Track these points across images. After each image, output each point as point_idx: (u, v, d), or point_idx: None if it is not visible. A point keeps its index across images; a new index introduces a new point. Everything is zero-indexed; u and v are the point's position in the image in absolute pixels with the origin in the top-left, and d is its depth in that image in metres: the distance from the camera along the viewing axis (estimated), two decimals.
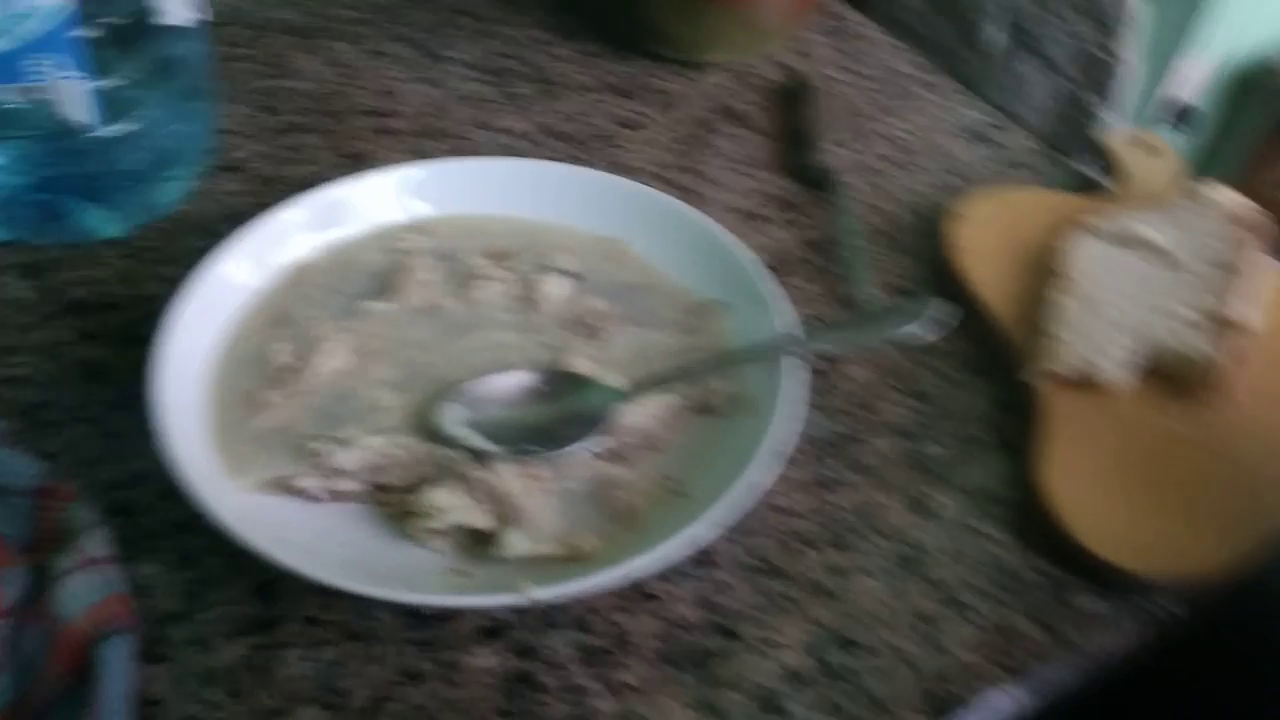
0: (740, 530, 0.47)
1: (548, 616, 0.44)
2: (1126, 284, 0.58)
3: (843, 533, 0.49)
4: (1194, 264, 0.59)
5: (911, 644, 0.45)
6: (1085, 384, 0.53)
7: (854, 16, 0.86)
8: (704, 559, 0.47)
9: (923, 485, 0.52)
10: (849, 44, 0.83)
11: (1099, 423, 0.52)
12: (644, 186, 0.59)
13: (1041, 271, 0.60)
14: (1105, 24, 1.42)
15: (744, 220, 0.66)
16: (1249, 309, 0.56)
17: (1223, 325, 0.55)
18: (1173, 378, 0.54)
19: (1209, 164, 1.59)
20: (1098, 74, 1.46)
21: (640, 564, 0.41)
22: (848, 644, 0.45)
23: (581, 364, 0.51)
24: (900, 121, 0.75)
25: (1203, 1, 1.32)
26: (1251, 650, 0.54)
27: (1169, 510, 0.49)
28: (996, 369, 0.57)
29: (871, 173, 0.71)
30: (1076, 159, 1.52)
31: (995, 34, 1.60)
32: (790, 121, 0.73)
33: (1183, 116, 1.47)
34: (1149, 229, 0.60)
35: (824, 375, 0.56)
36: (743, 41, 0.77)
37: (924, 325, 0.51)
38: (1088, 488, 0.50)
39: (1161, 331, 0.55)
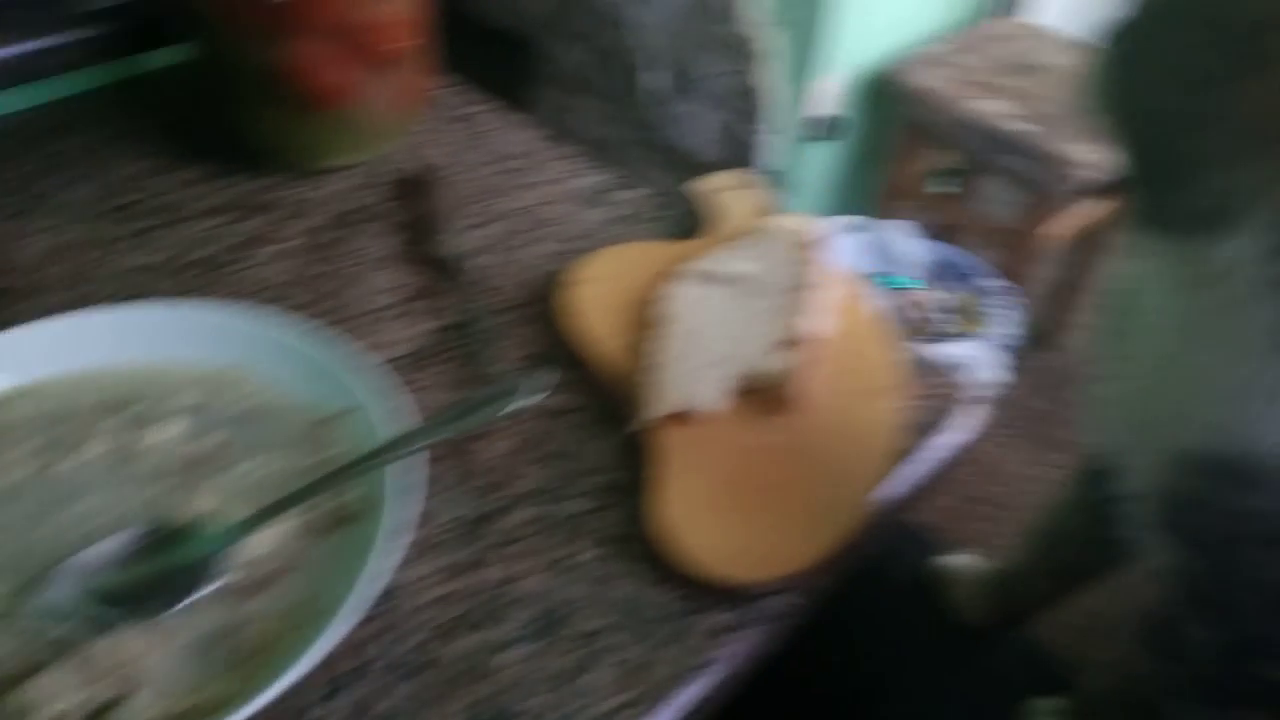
0: (391, 631, 0.49)
1: None
2: (716, 318, 0.65)
3: (491, 610, 0.52)
4: (773, 290, 0.67)
5: (562, 701, 0.48)
6: (687, 419, 0.59)
7: (479, 98, 0.91)
8: (359, 667, 0.48)
9: (564, 544, 0.55)
10: (475, 126, 0.87)
11: (702, 451, 0.58)
12: (256, 312, 0.60)
13: (647, 320, 0.66)
14: (747, 58, 1.57)
15: (381, 318, 0.68)
16: (817, 321, 0.64)
17: (797, 340, 0.63)
18: (761, 395, 0.62)
19: (864, 165, 1.78)
20: (750, 103, 1.61)
21: (270, 694, 0.42)
22: (503, 718, 0.47)
23: (204, 502, 0.51)
24: (527, 194, 0.80)
25: (819, 28, 1.49)
26: (870, 625, 0.62)
27: (767, 517, 0.56)
28: (621, 418, 0.62)
29: (502, 249, 0.75)
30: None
31: (657, 80, 1.72)
32: (418, 213, 0.76)
33: (832, 127, 1.64)
34: (734, 264, 0.68)
35: (464, 456, 0.59)
36: (358, 144, 0.79)
37: (535, 392, 0.55)
38: (697, 513, 0.55)
39: (748, 356, 0.62)
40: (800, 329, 0.63)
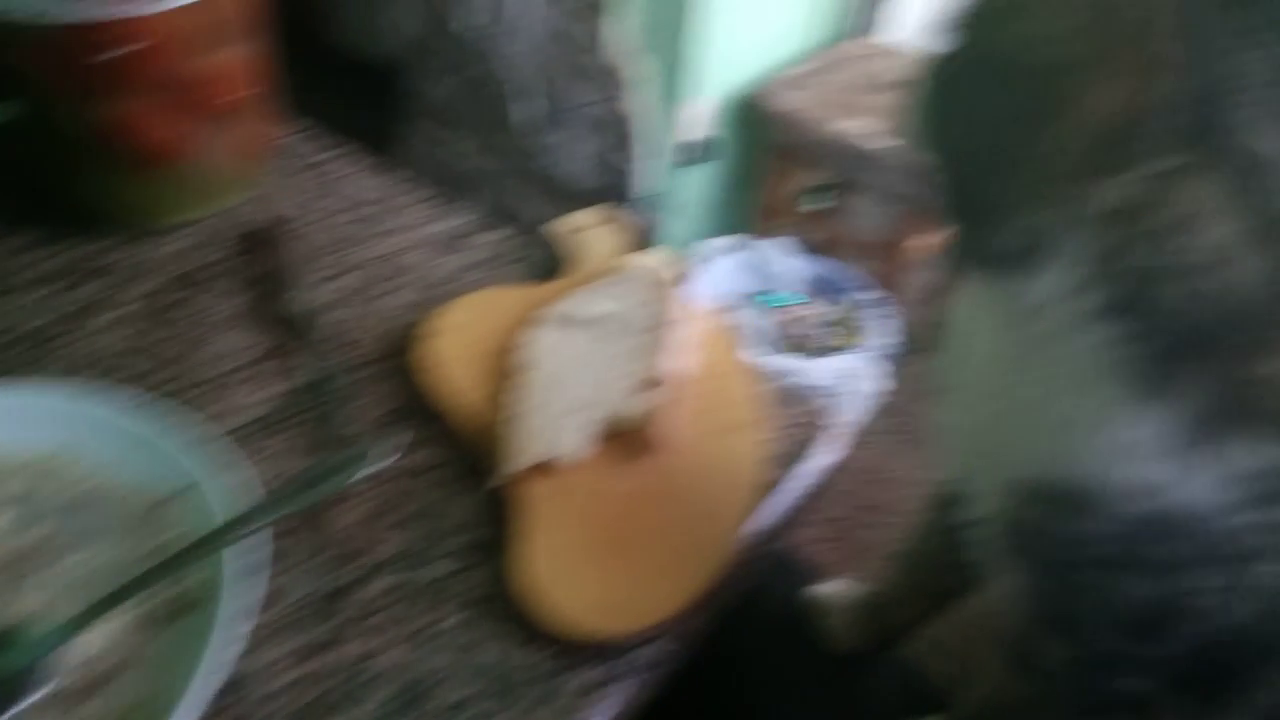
0: None
1: None
2: (576, 364, 0.64)
3: (349, 690, 0.50)
4: (633, 331, 0.66)
5: None
6: (550, 469, 0.58)
7: (330, 143, 0.88)
8: None
9: (426, 612, 0.54)
10: (327, 173, 0.85)
11: (566, 502, 0.57)
12: (86, 388, 0.57)
13: (507, 368, 0.64)
14: (617, 86, 1.58)
15: (227, 383, 0.65)
16: (678, 360, 0.64)
17: (658, 381, 0.62)
18: (625, 439, 0.61)
19: (738, 186, 1.81)
20: (623, 131, 1.62)
21: None
22: None
23: (29, 601, 0.48)
24: (383, 242, 0.78)
25: (686, 54, 1.51)
26: (748, 660, 0.62)
27: (635, 565, 0.55)
28: (484, 473, 0.60)
29: (357, 302, 0.73)
30: (628, 208, 1.66)
31: (528, 110, 1.72)
32: (266, 268, 0.74)
33: (705, 150, 1.66)
34: (594, 307, 0.67)
35: (317, 526, 0.57)
36: (199, 199, 0.76)
37: (390, 453, 0.54)
38: (563, 567, 0.54)
39: (610, 401, 0.62)
40: (662, 369, 0.63)
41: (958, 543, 0.51)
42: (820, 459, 0.67)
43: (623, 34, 1.50)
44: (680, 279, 0.69)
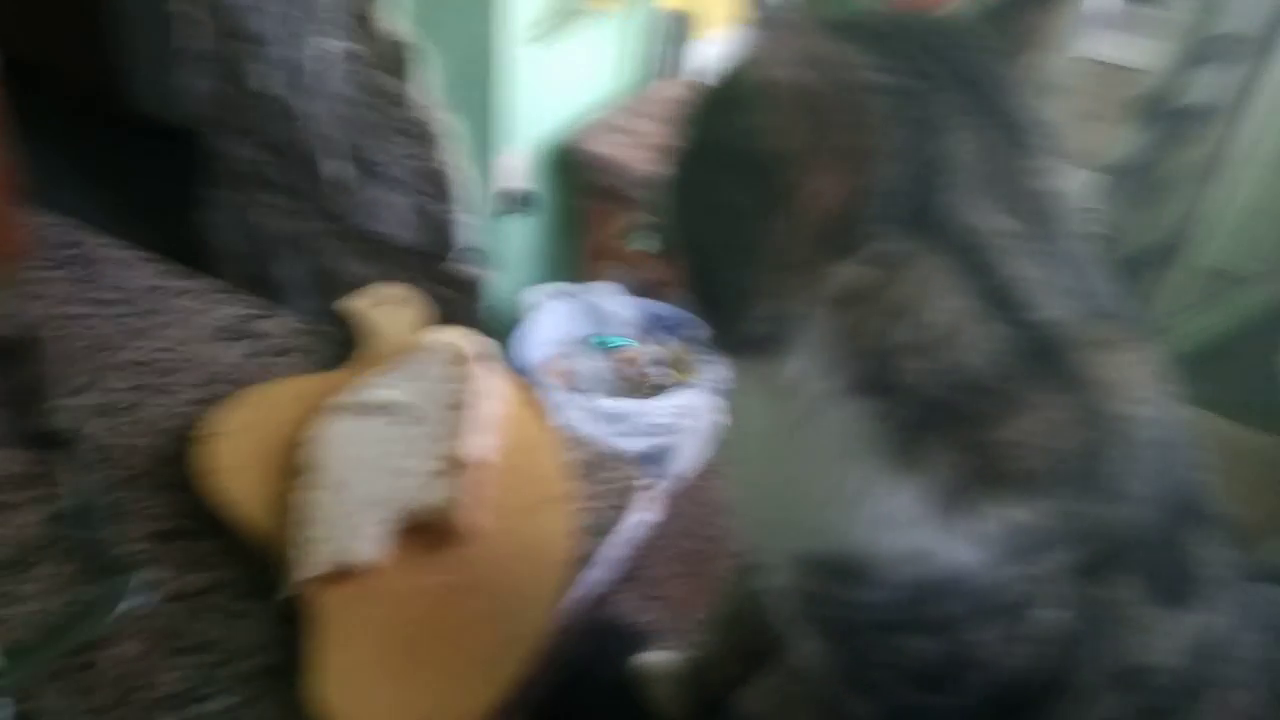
0: None
1: None
2: (370, 455, 0.60)
3: None
4: (432, 412, 0.63)
5: None
6: (346, 575, 0.55)
7: (92, 239, 0.81)
8: None
9: None
10: (90, 270, 0.78)
11: (365, 610, 0.53)
12: None
13: (296, 467, 0.60)
14: (428, 140, 1.54)
15: None
16: (480, 440, 0.61)
17: (459, 465, 0.59)
18: (427, 532, 0.58)
19: (562, 233, 1.80)
20: (440, 184, 1.58)
21: None
22: None
23: None
24: (153, 341, 0.72)
25: (496, 105, 1.49)
26: None
27: (442, 671, 0.52)
28: (273, 587, 0.56)
29: (125, 409, 0.67)
30: (451, 263, 1.63)
31: (339, 168, 1.66)
32: (17, 382, 0.67)
33: (524, 200, 1.64)
34: (388, 390, 0.64)
35: (83, 669, 0.51)
36: None
37: (162, 578, 0.49)
38: (366, 682, 0.50)
39: (409, 491, 0.58)
40: (463, 451, 0.60)
41: (762, 608, 0.51)
42: (638, 520, 0.66)
43: (429, 88, 1.47)
44: (478, 354, 0.67)
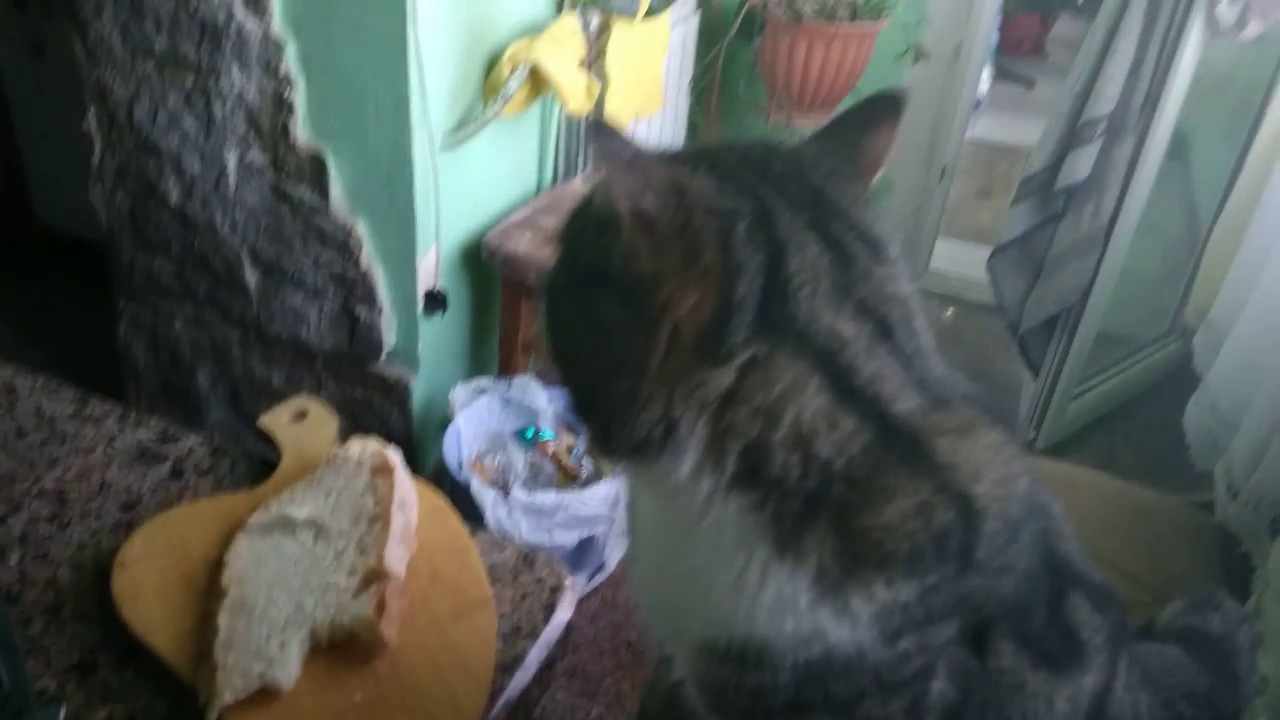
0: None
1: None
2: (288, 573, 0.60)
3: None
4: (344, 527, 0.64)
5: None
6: (267, 696, 0.54)
7: (7, 369, 0.80)
8: None
9: None
10: (9, 398, 0.77)
11: None
12: None
13: (212, 589, 0.60)
14: (345, 246, 1.56)
15: None
16: (397, 553, 0.62)
17: (379, 578, 0.60)
18: (348, 648, 0.58)
19: (481, 329, 1.83)
20: (354, 286, 1.60)
21: None
22: None
23: None
24: (59, 471, 0.71)
25: (412, 208, 1.52)
26: None
27: None
28: (195, 716, 0.55)
29: (32, 542, 0.65)
30: (373, 366, 1.63)
31: (255, 276, 1.66)
32: None
33: (442, 299, 1.67)
34: (300, 506, 0.64)
35: None
36: None
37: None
38: None
39: (328, 608, 0.58)
40: (382, 564, 0.61)
41: (679, 698, 0.53)
42: (566, 619, 0.67)
43: (347, 194, 1.49)
44: (393, 463, 0.68)
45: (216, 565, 0.61)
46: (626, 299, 0.43)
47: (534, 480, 1.57)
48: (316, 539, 0.63)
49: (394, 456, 0.68)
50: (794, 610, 0.43)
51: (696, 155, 0.47)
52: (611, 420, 0.44)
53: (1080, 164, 1.68)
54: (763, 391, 0.42)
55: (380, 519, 0.64)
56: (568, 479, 1.58)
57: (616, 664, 1.49)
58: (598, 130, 0.42)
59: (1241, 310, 1.49)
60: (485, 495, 1.44)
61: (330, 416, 0.75)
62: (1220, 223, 1.87)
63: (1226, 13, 1.50)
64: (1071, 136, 1.70)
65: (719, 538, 0.44)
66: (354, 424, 1.68)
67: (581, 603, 1.55)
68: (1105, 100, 1.63)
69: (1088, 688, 0.52)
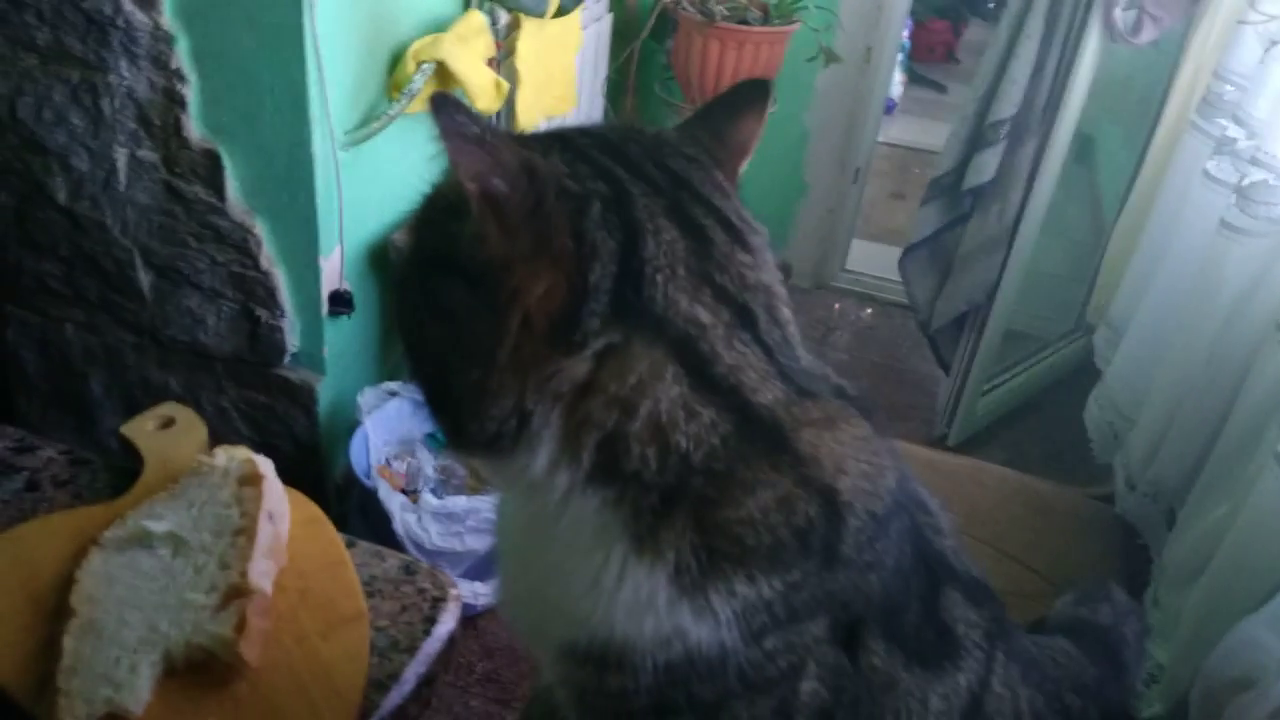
0: None
1: None
2: (143, 591, 0.57)
3: None
4: (206, 541, 0.60)
5: None
6: None
7: None
8: None
9: None
10: None
11: None
12: None
13: (60, 610, 0.56)
14: (236, 245, 1.51)
15: None
16: (263, 567, 0.59)
17: (236, 595, 0.57)
18: (206, 670, 0.55)
19: (388, 332, 1.78)
20: (254, 288, 1.54)
21: None
22: None
23: None
24: None
25: (314, 209, 1.47)
26: None
27: None
28: None
29: None
30: (277, 370, 1.58)
31: (150, 278, 1.59)
32: None
33: (343, 301, 1.62)
34: (159, 520, 0.61)
35: None
36: None
37: None
38: None
39: (178, 629, 0.55)
40: (242, 579, 0.58)
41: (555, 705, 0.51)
42: (447, 629, 0.64)
43: (246, 193, 1.44)
44: (262, 473, 0.65)
45: (67, 584, 0.58)
46: (475, 285, 0.41)
47: (445, 485, 1.53)
48: (175, 554, 0.60)
49: (264, 465, 0.65)
50: (653, 609, 0.42)
51: (550, 137, 0.45)
52: (462, 413, 0.42)
53: (986, 165, 1.71)
54: (618, 381, 0.40)
55: (245, 532, 0.60)
56: (480, 483, 1.56)
57: (533, 670, 1.47)
58: (439, 106, 0.39)
59: (1138, 307, 1.53)
60: (393, 501, 1.40)
61: (199, 423, 0.71)
62: (1120, 222, 1.92)
63: (1122, 18, 1.55)
64: (977, 138, 1.73)
65: (577, 535, 0.43)
66: (257, 430, 1.63)
67: (497, 609, 1.52)
68: (1009, 103, 1.67)
69: (963, 685, 0.52)
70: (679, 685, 0.43)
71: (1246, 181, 1.18)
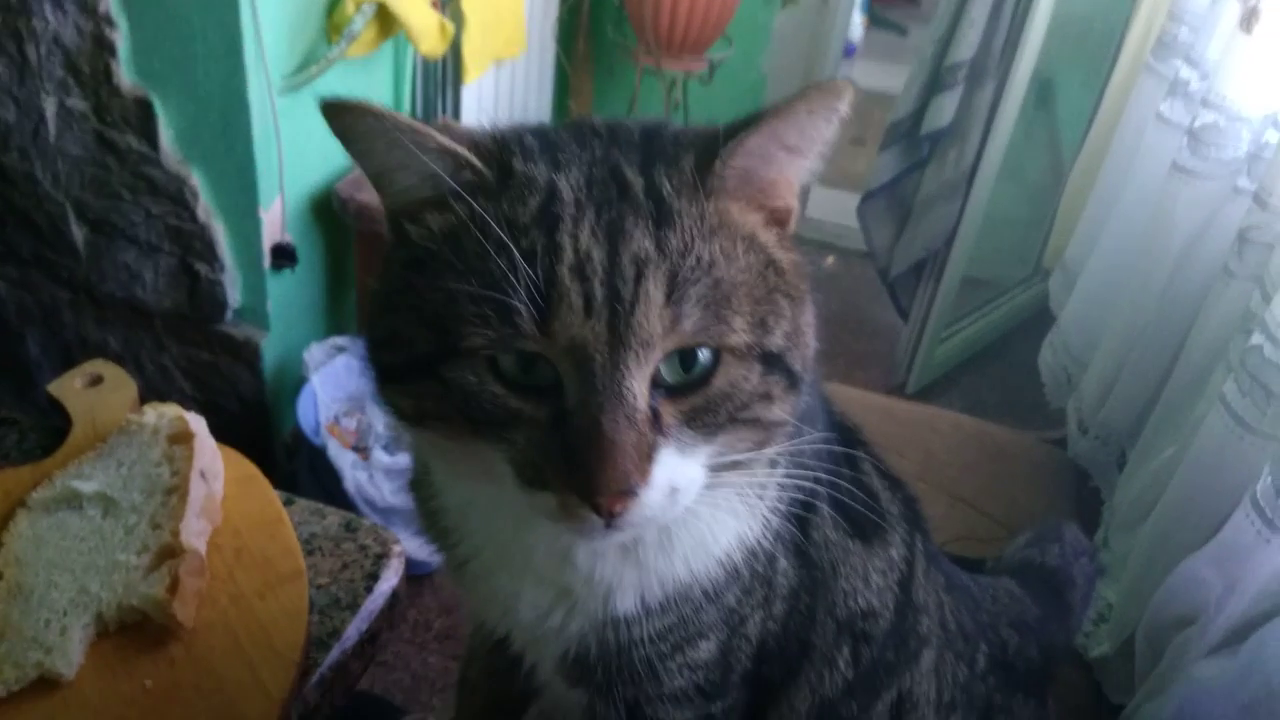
0: None
1: None
2: (65, 554, 0.55)
3: None
4: (136, 501, 0.58)
5: None
6: (39, 688, 0.49)
7: None
8: None
9: None
10: None
11: None
12: None
13: None
14: (172, 197, 1.45)
15: None
16: (191, 527, 0.57)
17: (169, 555, 0.55)
18: (138, 632, 0.53)
19: (335, 284, 1.74)
20: (192, 241, 1.49)
21: None
22: None
23: None
24: None
25: (253, 160, 1.42)
26: None
27: None
28: None
29: None
30: (218, 326, 1.53)
31: (84, 232, 1.54)
32: None
33: (290, 254, 1.58)
34: (88, 480, 0.59)
35: None
36: None
37: None
38: None
39: (109, 591, 0.53)
40: (175, 539, 0.56)
41: (504, 668, 0.51)
42: (389, 585, 0.63)
43: (181, 142, 1.39)
44: (195, 433, 0.62)
45: None
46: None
47: (396, 442, 1.51)
48: (105, 514, 0.57)
49: (195, 422, 0.63)
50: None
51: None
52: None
53: (944, 109, 1.70)
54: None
55: (177, 491, 0.58)
56: None
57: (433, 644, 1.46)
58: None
59: (1092, 251, 1.53)
60: (343, 458, 1.38)
61: (128, 381, 0.68)
62: (1077, 167, 1.92)
63: None
64: (935, 82, 1.71)
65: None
66: (201, 388, 1.59)
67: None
68: (966, 46, 1.65)
69: (896, 559, 0.53)
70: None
71: (1198, 123, 1.17)
